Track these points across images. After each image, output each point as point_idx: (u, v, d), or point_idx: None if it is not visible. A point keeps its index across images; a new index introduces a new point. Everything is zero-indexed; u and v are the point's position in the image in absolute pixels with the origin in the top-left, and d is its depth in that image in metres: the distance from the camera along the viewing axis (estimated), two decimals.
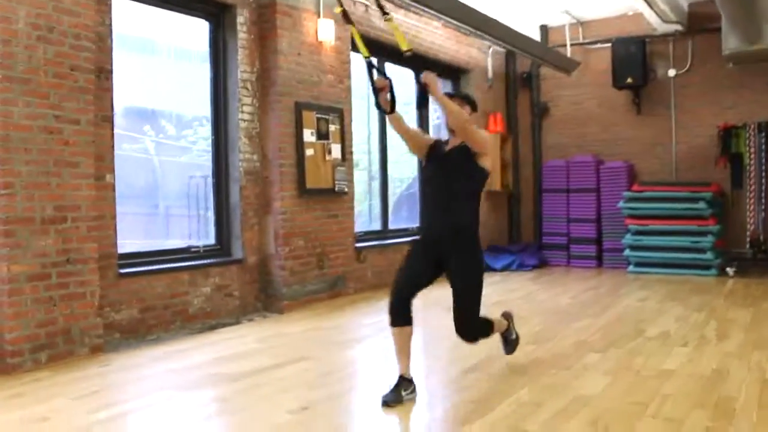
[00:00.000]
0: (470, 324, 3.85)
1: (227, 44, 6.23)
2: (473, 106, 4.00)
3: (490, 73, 9.75)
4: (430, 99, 3.74)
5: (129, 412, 3.55)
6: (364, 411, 3.64)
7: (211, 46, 6.20)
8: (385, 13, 4.03)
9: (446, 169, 3.88)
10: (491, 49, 9.58)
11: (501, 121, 9.72)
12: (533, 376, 4.09)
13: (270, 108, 6.36)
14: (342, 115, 7.01)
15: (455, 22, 7.16)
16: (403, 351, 3.75)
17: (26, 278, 4.33)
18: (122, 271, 5.20)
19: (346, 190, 7.04)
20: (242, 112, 6.24)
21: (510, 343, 4.42)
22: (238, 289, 6.16)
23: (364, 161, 8.29)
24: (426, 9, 6.30)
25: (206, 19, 6.16)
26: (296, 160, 6.48)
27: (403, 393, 3.62)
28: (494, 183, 9.54)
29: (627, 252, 8.68)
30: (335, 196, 6.93)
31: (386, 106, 3.76)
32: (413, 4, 6.61)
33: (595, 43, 9.45)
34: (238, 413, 3.54)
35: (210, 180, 6.22)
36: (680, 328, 5.36)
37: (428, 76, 3.69)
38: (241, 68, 6.21)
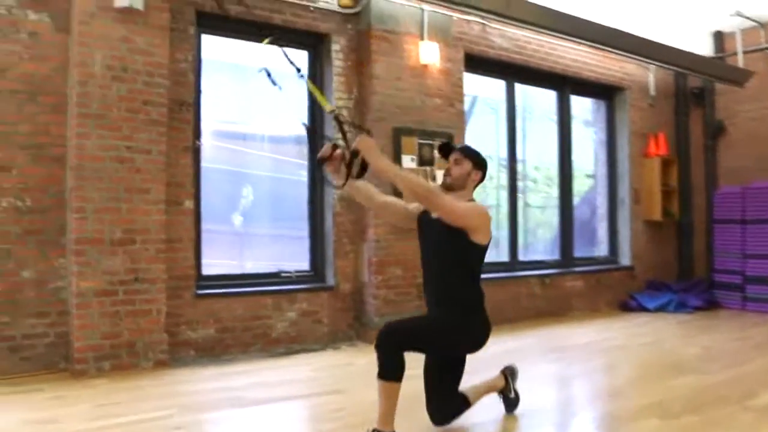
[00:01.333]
0: (389, 336, 3.18)
1: (324, 72, 6.38)
2: (476, 163, 3.50)
3: (652, 90, 8.77)
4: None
5: (120, 425, 3.72)
6: None
7: (309, 75, 6.40)
8: (298, 70, 3.54)
9: (430, 241, 3.49)
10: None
11: (664, 143, 8.66)
12: None
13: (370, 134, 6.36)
14: (451, 139, 6.77)
15: (608, 48, 6.73)
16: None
17: (94, 293, 4.80)
18: (200, 291, 5.52)
19: None
20: (338, 138, 6.31)
21: (509, 402, 3.91)
22: (328, 315, 6.20)
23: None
24: (574, 38, 6.00)
25: (305, 49, 6.38)
26: (393, 186, 6.38)
27: None
28: (653, 212, 8.54)
29: None
30: None
31: (338, 178, 3.31)
32: (561, 35, 6.33)
33: None
34: None
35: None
36: None
37: (362, 142, 3.22)
38: (336, 95, 6.31)
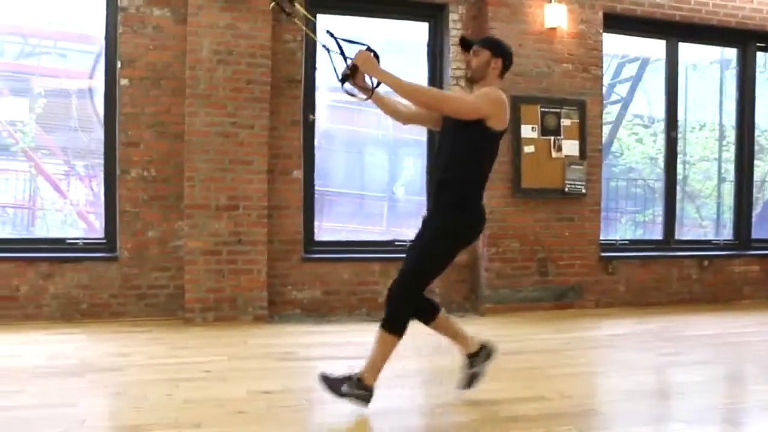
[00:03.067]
0: (398, 285, 3.25)
1: (443, 43, 6.34)
2: (496, 52, 3.37)
3: None
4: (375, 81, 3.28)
5: (173, 364, 4.28)
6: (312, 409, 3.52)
7: (428, 46, 6.40)
8: (287, 14, 3.68)
9: (445, 131, 3.46)
10: None
11: None
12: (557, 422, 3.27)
13: None
14: (583, 107, 6.30)
15: None
16: (455, 337, 3.60)
17: (200, 252, 5.49)
18: (307, 255, 5.96)
19: (583, 191, 6.31)
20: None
21: (469, 377, 3.56)
22: (440, 285, 6.24)
23: None
24: None
25: (424, 21, 6.39)
26: (510, 157, 6.16)
27: (343, 389, 3.28)
28: None
29: None
30: (567, 198, 6.29)
31: (364, 91, 3.36)
32: None
33: None
34: (223, 383, 3.88)
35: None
36: None
37: (359, 57, 3.22)
38: (453, 65, 6.25)
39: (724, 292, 6.79)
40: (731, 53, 7.29)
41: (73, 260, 5.50)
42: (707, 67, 8.20)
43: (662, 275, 6.63)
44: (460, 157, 3.32)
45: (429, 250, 3.32)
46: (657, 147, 7.58)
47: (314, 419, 3.37)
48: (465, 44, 3.52)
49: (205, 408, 3.29)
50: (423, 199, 6.52)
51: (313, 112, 6.06)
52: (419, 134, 6.52)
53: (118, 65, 5.53)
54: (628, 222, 8.34)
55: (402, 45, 6.81)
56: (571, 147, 6.27)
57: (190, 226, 5.48)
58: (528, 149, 6.18)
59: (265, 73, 5.61)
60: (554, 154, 6.25)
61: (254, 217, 5.61)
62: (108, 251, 5.61)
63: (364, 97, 3.43)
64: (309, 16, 4.25)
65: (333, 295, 6.00)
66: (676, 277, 6.67)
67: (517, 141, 6.15)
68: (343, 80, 3.39)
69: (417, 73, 6.40)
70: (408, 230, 6.39)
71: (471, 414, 3.34)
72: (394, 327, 3.23)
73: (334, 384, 3.29)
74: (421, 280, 3.30)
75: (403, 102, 3.55)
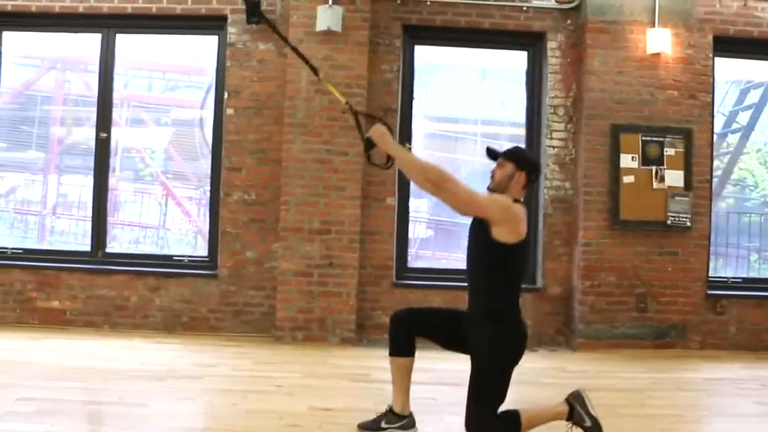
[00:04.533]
0: (478, 422, 3.14)
1: (542, 71, 6.28)
2: (520, 164, 3.24)
3: None
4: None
5: (251, 377, 4.49)
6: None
7: (527, 75, 6.36)
8: (315, 73, 3.74)
9: (469, 238, 3.39)
10: None
11: None
12: None
13: (582, 132, 6.07)
14: (690, 135, 6.00)
15: None
16: (395, 383, 3.50)
17: (293, 274, 5.73)
18: (398, 281, 6.05)
19: (688, 224, 5.98)
20: (551, 138, 6.18)
21: (586, 430, 3.36)
22: (532, 317, 6.11)
23: None
24: None
25: (522, 50, 6.37)
26: (609, 188, 5.97)
27: (384, 424, 3.44)
28: None
29: None
30: (670, 231, 5.98)
31: (382, 159, 3.38)
32: None
33: None
34: (298, 396, 4.05)
35: None
36: None
37: (374, 131, 3.23)
38: (552, 94, 6.17)
39: None
40: None
41: (177, 276, 5.92)
42: None
43: None
44: (491, 279, 3.23)
45: (490, 382, 3.19)
46: None
47: None
48: (491, 154, 3.41)
49: (261, 419, 3.47)
50: None
51: (409, 140, 6.18)
52: None
53: (225, 96, 5.93)
54: (758, 260, 7.74)
55: (499, 73, 6.82)
56: (675, 178, 5.97)
57: (284, 248, 5.73)
58: (627, 179, 5.96)
59: (361, 102, 5.78)
60: (656, 185, 5.97)
61: (345, 241, 5.78)
62: (210, 269, 5.98)
63: (383, 163, 3.43)
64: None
65: None
66: None
67: (616, 170, 5.95)
68: (366, 149, 3.39)
69: (514, 102, 6.39)
70: None
71: None
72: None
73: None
74: (494, 408, 3.17)
75: None
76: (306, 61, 3.73)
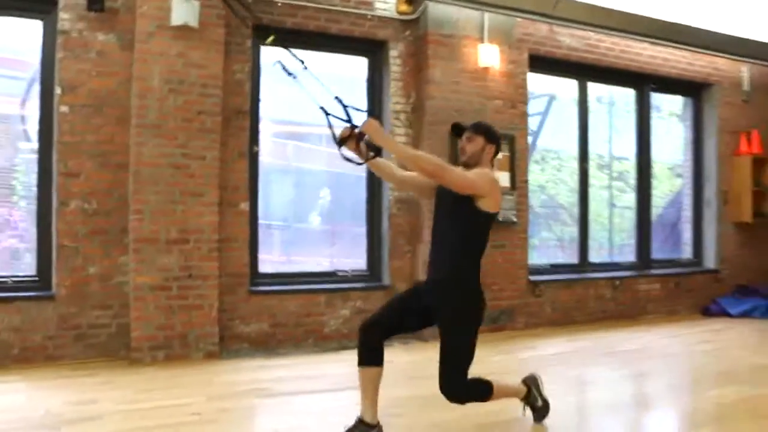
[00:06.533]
0: (452, 383, 3.38)
1: (382, 78, 6.53)
2: (489, 138, 3.54)
3: (746, 86, 8.18)
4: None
5: (151, 408, 4.07)
6: None
7: (368, 81, 6.56)
8: (301, 62, 3.71)
9: (441, 211, 3.55)
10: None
11: (757, 141, 8.07)
12: None
13: (423, 138, 6.45)
14: (513, 141, 6.72)
15: (693, 48, 6.52)
16: (366, 393, 3.50)
17: (149, 288, 5.25)
18: (254, 288, 5.86)
19: (514, 219, 6.71)
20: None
21: (537, 411, 3.83)
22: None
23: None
24: (656, 40, 5.90)
25: (364, 56, 6.55)
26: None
27: None
28: (743, 213, 8.00)
29: None
30: (500, 226, 6.64)
31: (359, 155, 3.45)
32: (640, 37, 6.19)
33: None
34: (223, 423, 3.82)
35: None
36: None
37: (367, 125, 3.34)
38: (394, 100, 6.45)
39: (632, 310, 7.46)
40: (618, 93, 8.03)
41: (1, 300, 5.06)
42: (595, 104, 8.93)
43: (581, 296, 7.17)
44: (465, 247, 3.47)
45: (462, 347, 3.41)
46: (560, 176, 8.10)
47: None
48: (457, 130, 3.64)
49: None
50: (335, 227, 6.67)
51: (257, 143, 6.00)
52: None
53: (58, 91, 5.19)
54: (551, 248, 8.82)
55: (342, 79, 6.90)
56: (503, 179, 6.65)
57: (137, 261, 5.22)
58: None
59: (217, 104, 5.49)
60: None
61: (205, 250, 5.45)
62: (42, 290, 5.21)
63: (360, 161, 3.48)
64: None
65: (280, 327, 5.93)
66: (592, 296, 7.24)
67: None
68: (339, 144, 3.45)
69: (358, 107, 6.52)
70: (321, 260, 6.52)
71: None
72: (486, 398, 3.52)
73: None
74: (465, 369, 3.40)
75: (394, 167, 3.72)
76: None
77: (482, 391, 3.51)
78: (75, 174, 5.23)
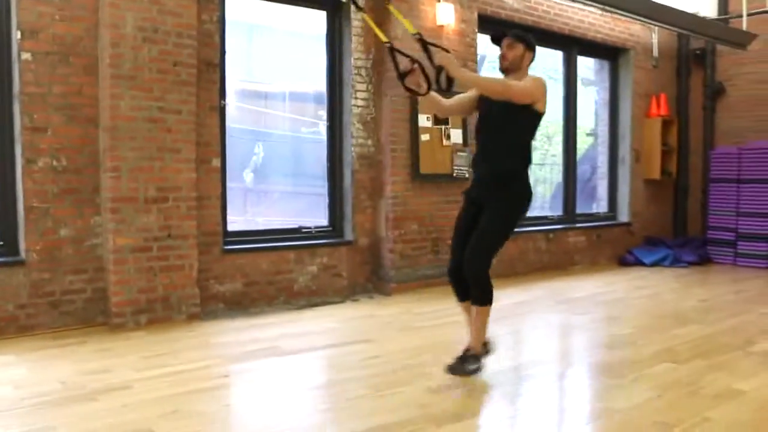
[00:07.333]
0: (478, 260, 3.70)
1: (342, 32, 6.46)
2: (527, 44, 3.86)
3: (655, 52, 8.93)
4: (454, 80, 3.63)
5: (172, 374, 3.94)
6: (372, 395, 3.60)
7: (327, 35, 6.47)
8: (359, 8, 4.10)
9: (492, 116, 3.83)
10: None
11: (665, 104, 8.88)
12: (577, 382, 3.84)
13: (384, 94, 6.49)
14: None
15: (616, 10, 6.86)
16: (469, 321, 3.88)
17: (130, 250, 4.97)
18: (227, 247, 5.71)
19: (466, 175, 6.96)
20: (356, 98, 6.44)
21: (470, 363, 3.89)
22: (347, 269, 6.42)
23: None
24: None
25: (323, 9, 6.44)
26: (410, 145, 6.56)
27: (469, 366, 3.73)
28: (653, 171, 8.82)
29: None
30: (454, 182, 6.88)
31: (419, 88, 3.73)
32: None
33: None
34: (258, 383, 3.78)
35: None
36: None
37: (443, 58, 3.59)
38: (355, 55, 6.41)
39: (563, 260, 8.04)
40: (548, 54, 8.48)
41: None
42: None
43: (522, 248, 7.61)
44: (516, 144, 3.81)
45: (499, 231, 3.77)
46: None
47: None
48: (497, 38, 3.93)
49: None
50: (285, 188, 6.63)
51: (224, 97, 5.77)
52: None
53: (18, 35, 4.69)
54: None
55: (303, 37, 6.75)
56: (456, 135, 6.86)
57: (116, 221, 4.91)
58: (424, 137, 6.63)
59: (192, 55, 5.22)
60: (445, 142, 6.78)
61: (184, 209, 5.22)
62: (10, 254, 4.78)
63: (422, 93, 3.76)
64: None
65: (253, 286, 5.83)
66: (531, 249, 7.71)
67: (416, 130, 6.56)
68: (401, 77, 3.71)
69: (319, 62, 6.44)
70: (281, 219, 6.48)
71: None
72: (489, 299, 3.76)
73: (460, 368, 3.74)
74: (492, 254, 3.75)
75: (441, 98, 4.01)
76: None
77: (491, 291, 3.77)
78: (42, 129, 4.78)
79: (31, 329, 4.76)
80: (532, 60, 3.93)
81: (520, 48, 3.83)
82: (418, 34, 3.77)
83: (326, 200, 6.55)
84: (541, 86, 3.76)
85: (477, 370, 3.78)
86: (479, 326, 3.80)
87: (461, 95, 4.09)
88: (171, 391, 3.63)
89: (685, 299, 6.32)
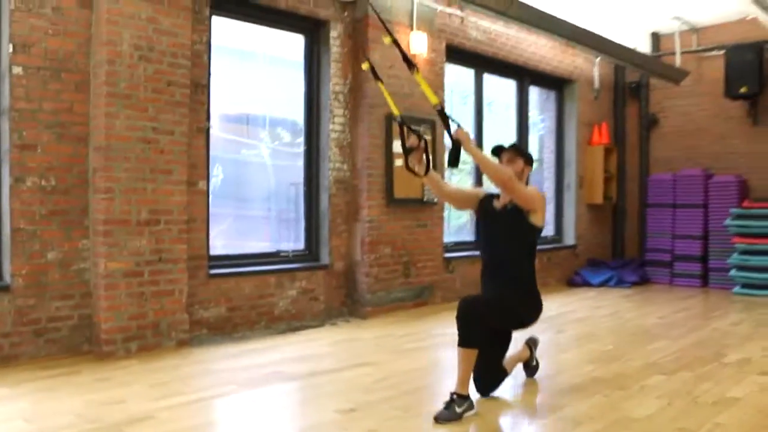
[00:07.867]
0: (471, 307, 3.64)
1: (321, 58, 6.52)
2: (527, 159, 4.01)
3: (596, 84, 9.49)
4: (463, 154, 3.62)
5: (192, 402, 3.83)
6: (407, 416, 3.68)
7: (305, 60, 6.51)
8: (411, 66, 3.94)
9: (496, 231, 3.92)
10: (598, 59, 9.30)
11: (606, 133, 9.44)
12: (585, 394, 4.02)
13: (360, 119, 6.58)
14: (434, 127, 7.11)
15: (549, 34, 7.13)
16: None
17: (121, 274, 4.79)
18: (212, 271, 5.59)
19: (435, 200, 7.13)
20: (333, 123, 6.50)
21: (531, 369, 4.40)
22: (324, 293, 6.42)
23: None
24: (521, 23, 6.34)
25: (302, 33, 6.48)
26: (384, 170, 6.67)
27: (458, 409, 3.59)
28: (595, 196, 9.32)
29: (733, 272, 8.16)
30: (424, 206, 7.04)
31: (419, 169, 3.69)
32: (508, 18, 6.65)
33: (710, 50, 8.95)
34: (287, 409, 3.75)
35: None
36: (766, 356, 5.03)
37: (461, 133, 3.61)
38: (333, 81, 6.48)
39: None
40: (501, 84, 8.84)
41: None
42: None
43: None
44: (520, 269, 3.87)
45: (506, 307, 3.82)
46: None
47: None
48: (497, 151, 4.03)
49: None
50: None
51: (208, 119, 5.67)
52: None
53: (10, 48, 4.47)
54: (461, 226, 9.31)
55: (282, 62, 6.72)
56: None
57: (108, 245, 4.72)
58: (398, 163, 6.74)
59: (185, 75, 5.14)
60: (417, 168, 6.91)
61: (175, 232, 5.09)
62: None
63: (421, 174, 3.72)
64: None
65: (236, 311, 5.72)
66: None
67: (390, 155, 6.67)
68: (407, 153, 3.68)
69: (295, 89, 6.45)
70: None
71: None
72: (473, 342, 3.64)
73: (449, 415, 3.54)
74: (487, 317, 3.68)
75: (443, 181, 4.17)
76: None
77: (471, 338, 3.63)
78: (32, 146, 4.56)
79: (15, 359, 4.49)
80: (528, 174, 4.03)
81: (520, 163, 3.93)
82: (440, 105, 3.75)
83: (303, 224, 6.55)
84: (542, 199, 3.86)
85: (467, 410, 3.62)
86: (462, 369, 3.67)
87: (463, 189, 4.21)
88: (199, 420, 3.56)
89: (645, 317, 6.70)
